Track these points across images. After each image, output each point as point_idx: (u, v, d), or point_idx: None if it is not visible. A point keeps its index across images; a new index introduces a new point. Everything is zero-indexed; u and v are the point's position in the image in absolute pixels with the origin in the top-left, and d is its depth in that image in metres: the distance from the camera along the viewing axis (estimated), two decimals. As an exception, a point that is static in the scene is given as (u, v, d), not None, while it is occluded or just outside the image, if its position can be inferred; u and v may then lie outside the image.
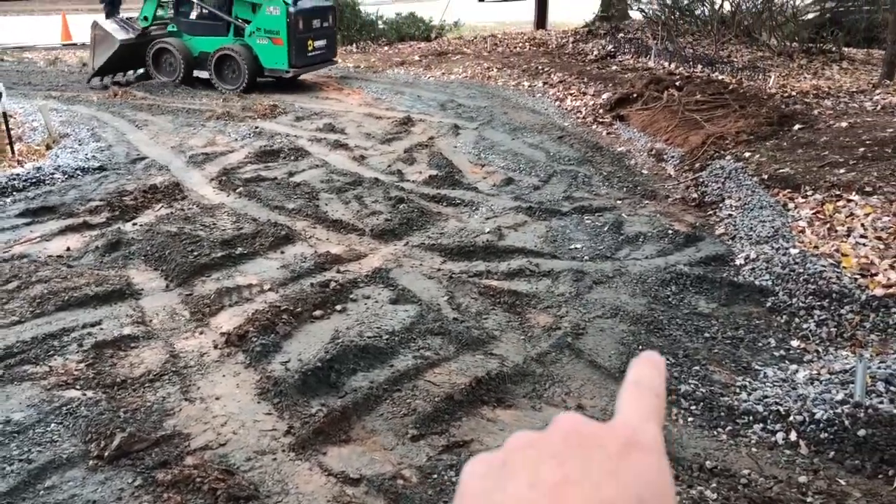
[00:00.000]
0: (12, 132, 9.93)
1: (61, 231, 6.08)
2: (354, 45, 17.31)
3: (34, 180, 7.25)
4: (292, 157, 8.13)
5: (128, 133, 9.33)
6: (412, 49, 16.03)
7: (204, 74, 12.09)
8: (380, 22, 18.46)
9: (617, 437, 0.42)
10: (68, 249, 5.72)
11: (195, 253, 5.52)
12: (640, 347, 4.34)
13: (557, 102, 10.86)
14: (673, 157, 8.08)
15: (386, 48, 16.80)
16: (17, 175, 7.32)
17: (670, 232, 6.05)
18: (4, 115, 8.39)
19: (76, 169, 7.62)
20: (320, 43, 11.99)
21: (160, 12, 12.39)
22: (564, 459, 0.41)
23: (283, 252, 5.68)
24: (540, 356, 4.28)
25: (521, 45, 15.19)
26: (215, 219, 6.28)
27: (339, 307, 4.81)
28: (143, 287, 5.09)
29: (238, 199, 6.82)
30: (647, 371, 0.49)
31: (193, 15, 12.10)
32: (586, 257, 5.62)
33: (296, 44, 11.35)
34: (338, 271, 5.34)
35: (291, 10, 11.17)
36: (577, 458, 0.41)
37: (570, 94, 11.03)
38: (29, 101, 11.72)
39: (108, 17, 17.33)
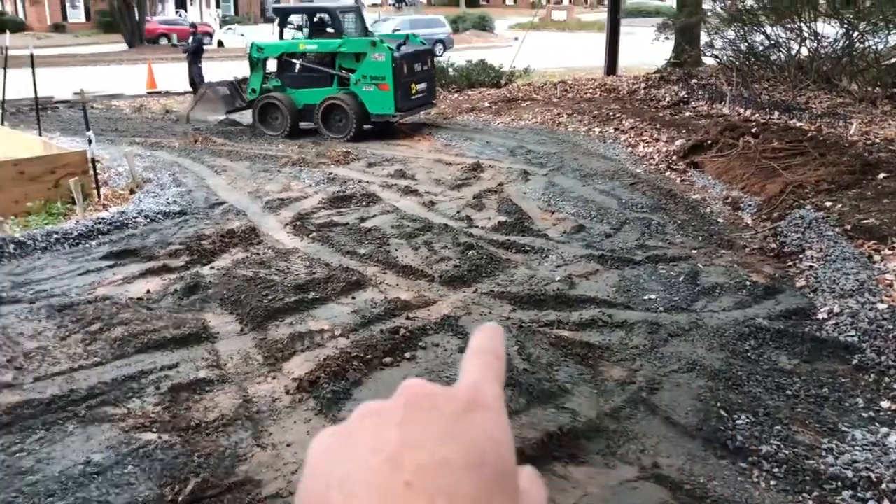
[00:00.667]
0: (99, 176, 10.39)
1: (142, 274, 6.28)
2: (425, 91, 17.60)
3: (118, 224, 7.54)
4: (364, 203, 8.25)
5: (207, 178, 9.65)
6: (482, 95, 16.20)
7: (309, 125, 12.37)
8: (450, 69, 18.77)
9: (458, 399, 0.43)
10: (148, 292, 5.90)
11: (269, 297, 5.62)
12: (718, 404, 4.19)
13: (629, 149, 10.78)
14: (750, 205, 7.88)
15: (456, 95, 17.04)
16: (103, 219, 7.62)
17: (748, 283, 5.87)
18: (93, 160, 8.78)
19: (157, 213, 7.90)
20: (421, 86, 12.32)
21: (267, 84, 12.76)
22: (406, 425, 0.41)
23: (354, 297, 5.73)
24: (614, 411, 4.18)
25: (591, 91, 15.20)
26: (289, 263, 6.40)
27: (408, 355, 4.80)
28: (219, 330, 5.19)
29: (311, 244, 6.93)
30: (486, 337, 0.50)
31: (297, 69, 12.43)
32: (661, 308, 5.49)
33: (401, 88, 11.64)
34: (407, 318, 5.35)
35: (396, 55, 11.46)
36: (418, 423, 0.41)
37: (643, 141, 10.94)
38: (115, 146, 12.26)
39: (190, 66, 18.13)
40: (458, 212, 7.98)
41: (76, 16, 50.08)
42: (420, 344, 4.96)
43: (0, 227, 7.51)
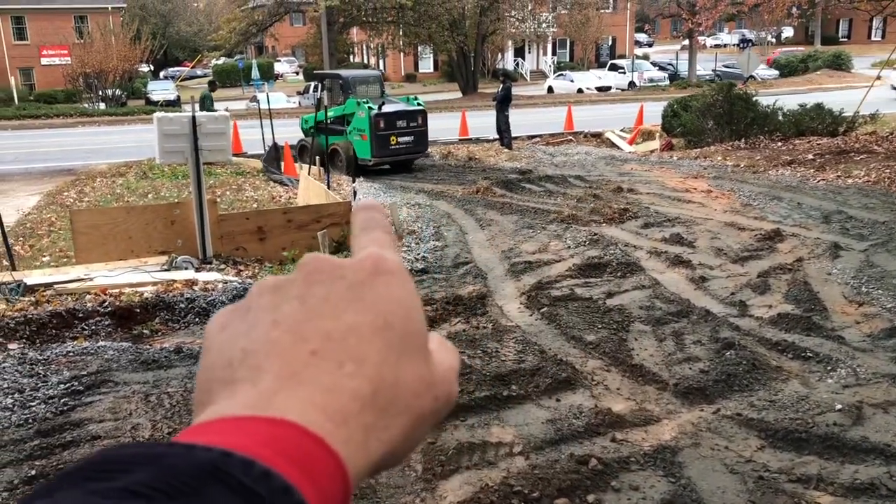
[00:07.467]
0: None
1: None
2: (743, 139, 15.70)
3: (358, 280, 7.31)
4: (619, 273, 7.13)
5: (469, 233, 9.22)
6: (809, 146, 13.93)
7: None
8: (779, 114, 16.57)
9: (361, 267, 0.42)
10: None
11: (460, 388, 4.82)
12: None
13: None
14: None
15: (779, 144, 14.90)
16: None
17: None
18: (357, 211, 8.81)
19: (400, 270, 7.56)
20: (406, 139, 14.77)
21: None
22: (307, 297, 0.40)
23: (558, 400, 4.71)
24: None
25: (953, 142, 12.22)
26: (501, 345, 5.56)
27: (591, 498, 3.67)
28: (390, 424, 4.52)
29: (536, 322, 6.03)
30: (370, 215, 0.48)
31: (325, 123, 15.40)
32: None
33: (377, 139, 14.32)
34: (612, 440, 4.19)
35: (373, 112, 14.26)
36: (319, 294, 0.40)
37: None
38: (404, 193, 12.52)
39: (498, 114, 18.21)
40: (733, 294, 6.51)
41: (426, 66, 54.86)
42: (613, 484, 3.80)
43: (256, 277, 7.75)
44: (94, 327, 6.20)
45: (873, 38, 60.64)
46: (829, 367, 5.01)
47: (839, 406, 4.44)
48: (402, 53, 47.62)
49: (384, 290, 0.41)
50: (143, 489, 0.31)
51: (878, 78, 24.40)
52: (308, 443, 0.35)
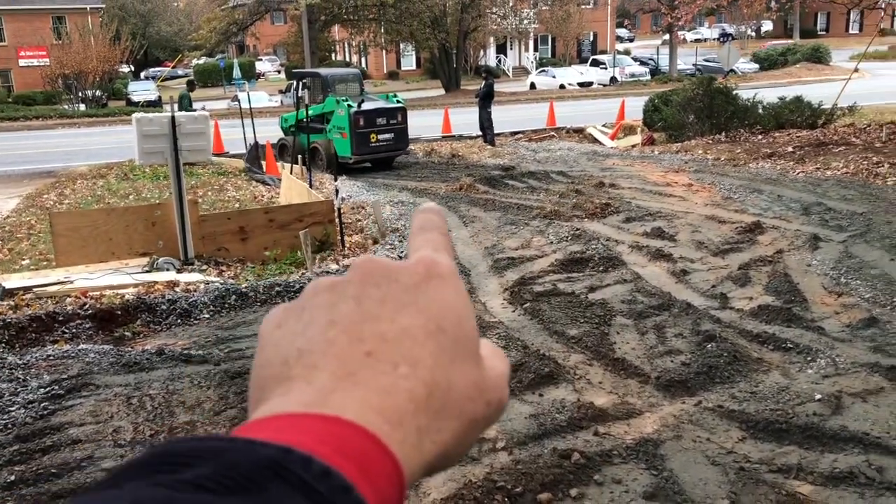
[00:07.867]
0: (360, 223, 10.54)
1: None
2: (724, 133, 15.79)
3: (340, 278, 7.30)
4: (601, 268, 7.16)
5: (452, 230, 9.21)
6: (789, 138, 14.03)
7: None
8: (759, 107, 16.67)
9: (414, 270, 0.42)
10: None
11: (443, 385, 4.84)
12: None
13: (970, 211, 8.30)
14: None
15: (759, 137, 15.00)
16: (328, 271, 7.46)
17: None
18: (339, 210, 8.80)
19: (381, 268, 7.55)
20: (386, 136, 14.86)
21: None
22: (363, 298, 0.41)
23: (541, 395, 4.72)
24: None
25: (930, 133, 12.35)
26: (484, 341, 5.56)
27: (574, 492, 3.69)
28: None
29: (519, 317, 6.04)
30: (428, 217, 0.49)
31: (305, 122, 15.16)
32: (969, 468, 3.72)
33: (357, 137, 14.38)
34: (595, 433, 4.22)
35: (353, 110, 14.33)
36: (375, 296, 0.41)
37: None
38: (387, 191, 12.51)
39: (480, 110, 18.22)
40: (713, 286, 6.55)
41: (408, 64, 54.78)
42: (596, 478, 3.81)
43: (238, 277, 7.72)
44: (74, 330, 6.15)
45: (851, 31, 61.19)
46: (808, 358, 5.05)
47: (819, 396, 4.48)
48: (384, 51, 47.57)
49: (436, 293, 0.41)
50: (206, 483, 0.31)
51: (856, 70, 24.56)
52: (366, 442, 0.36)
